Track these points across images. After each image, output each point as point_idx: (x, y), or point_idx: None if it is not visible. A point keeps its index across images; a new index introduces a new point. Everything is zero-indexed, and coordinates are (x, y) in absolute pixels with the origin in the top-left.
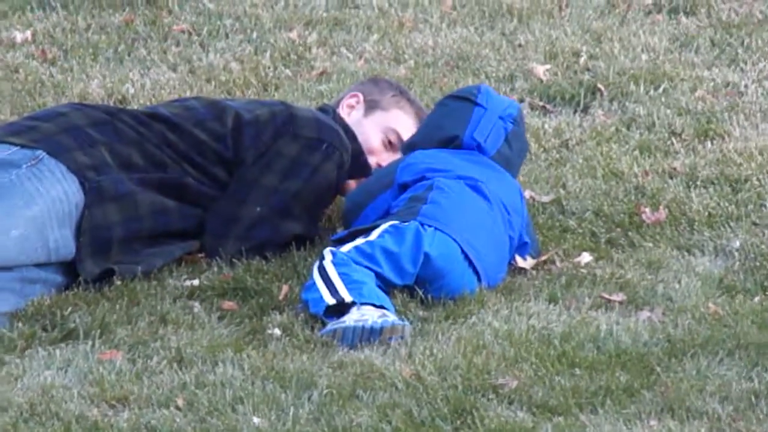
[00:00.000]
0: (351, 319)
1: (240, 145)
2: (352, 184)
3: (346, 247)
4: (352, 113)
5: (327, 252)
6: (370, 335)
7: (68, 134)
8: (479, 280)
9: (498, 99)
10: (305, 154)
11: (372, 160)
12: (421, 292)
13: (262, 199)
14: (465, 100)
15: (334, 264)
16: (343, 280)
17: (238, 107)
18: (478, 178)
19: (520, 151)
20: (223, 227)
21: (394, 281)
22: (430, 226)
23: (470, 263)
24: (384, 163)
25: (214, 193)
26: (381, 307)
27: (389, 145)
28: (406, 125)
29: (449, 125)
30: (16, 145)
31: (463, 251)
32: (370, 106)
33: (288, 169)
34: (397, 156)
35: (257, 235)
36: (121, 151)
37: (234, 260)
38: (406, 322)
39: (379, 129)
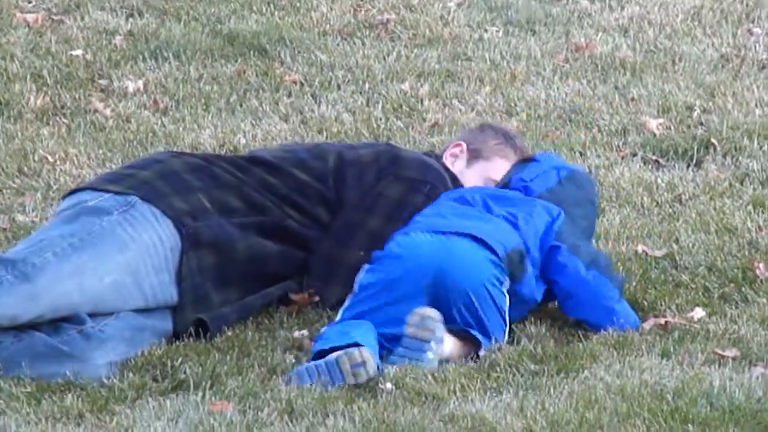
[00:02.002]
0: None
1: (342, 185)
2: None
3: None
4: (456, 162)
5: None
6: (330, 372)
7: (164, 180)
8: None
9: (558, 158)
10: (409, 195)
11: None
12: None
13: (366, 243)
14: (525, 160)
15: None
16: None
17: (340, 147)
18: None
19: (578, 196)
20: (326, 270)
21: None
22: None
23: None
24: None
25: (317, 235)
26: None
27: None
28: None
29: (503, 177)
30: (110, 192)
31: None
32: (473, 156)
33: (392, 212)
34: None
35: None
36: (219, 197)
37: None
38: (363, 347)
39: (480, 179)
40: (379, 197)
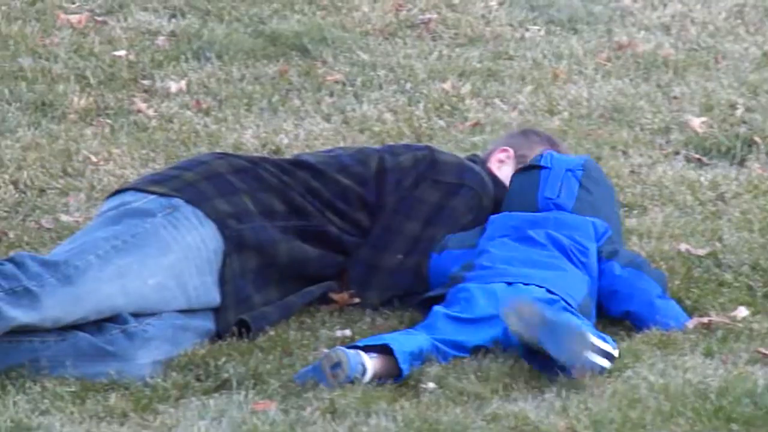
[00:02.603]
0: None
1: (382, 190)
2: None
3: None
4: (502, 168)
5: None
6: (316, 374)
7: (209, 182)
8: None
9: (563, 156)
10: (447, 199)
11: None
12: None
13: (405, 247)
14: (531, 168)
15: None
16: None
17: (382, 151)
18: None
19: (603, 193)
20: (365, 275)
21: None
22: None
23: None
24: None
25: (357, 241)
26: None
27: None
28: None
29: (519, 200)
30: (155, 193)
31: None
32: (521, 162)
33: (430, 216)
34: None
35: (400, 284)
36: (263, 199)
37: (387, 311)
38: (340, 348)
39: None
40: (418, 202)
